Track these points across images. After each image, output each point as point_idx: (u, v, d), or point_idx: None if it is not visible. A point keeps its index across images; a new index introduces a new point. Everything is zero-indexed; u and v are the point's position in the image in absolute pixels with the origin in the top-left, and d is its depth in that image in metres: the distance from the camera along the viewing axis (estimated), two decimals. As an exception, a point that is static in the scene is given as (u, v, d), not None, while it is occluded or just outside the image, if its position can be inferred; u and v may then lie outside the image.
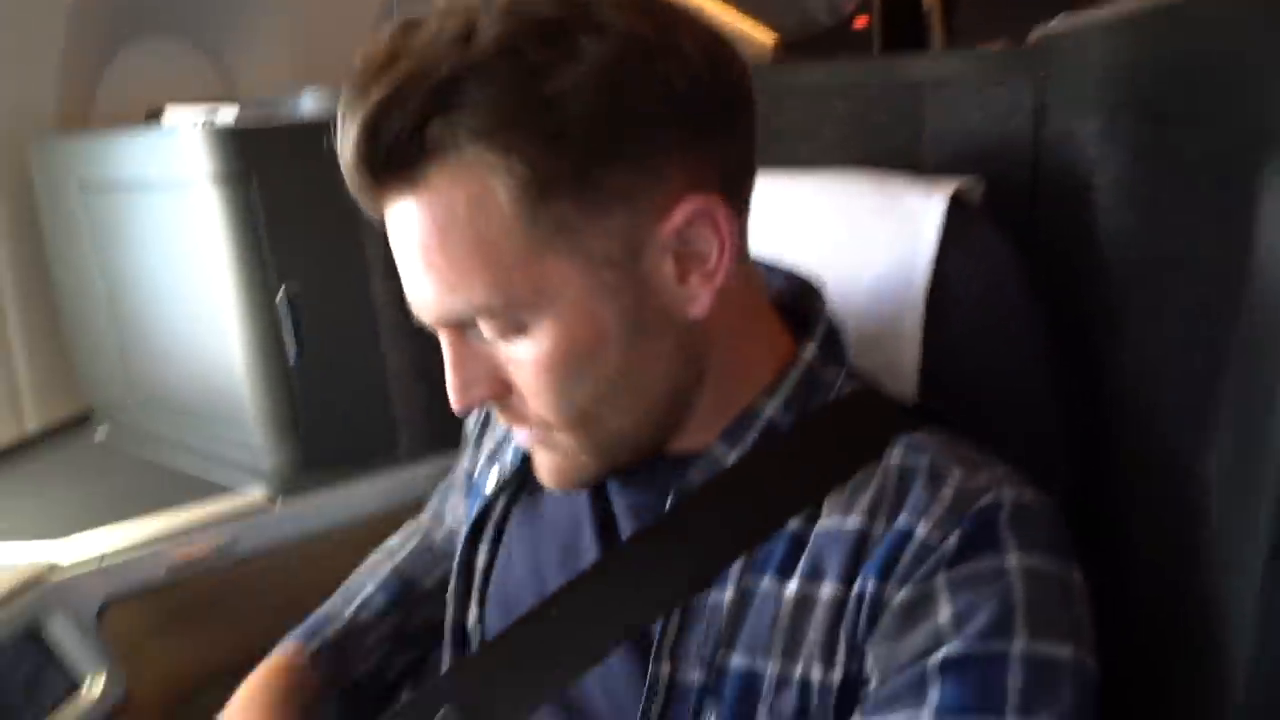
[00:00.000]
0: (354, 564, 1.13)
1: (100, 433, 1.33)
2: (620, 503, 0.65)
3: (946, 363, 0.67)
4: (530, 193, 0.49)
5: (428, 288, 0.52)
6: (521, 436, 0.61)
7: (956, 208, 0.66)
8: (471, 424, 0.84)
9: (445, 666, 0.79)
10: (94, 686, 0.95)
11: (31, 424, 1.33)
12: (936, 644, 0.50)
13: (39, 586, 0.94)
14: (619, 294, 0.53)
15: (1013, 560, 0.51)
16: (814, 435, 0.60)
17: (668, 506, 0.61)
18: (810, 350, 0.60)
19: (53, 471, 1.23)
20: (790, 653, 0.55)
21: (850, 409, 0.61)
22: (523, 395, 0.56)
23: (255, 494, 1.09)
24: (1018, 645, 0.49)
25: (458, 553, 0.76)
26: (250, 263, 1.05)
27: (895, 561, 0.52)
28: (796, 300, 0.64)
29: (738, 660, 0.57)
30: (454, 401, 0.57)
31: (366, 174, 0.50)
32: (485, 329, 0.53)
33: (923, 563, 0.52)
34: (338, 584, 1.11)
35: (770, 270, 0.66)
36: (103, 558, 0.99)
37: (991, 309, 0.66)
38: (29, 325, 1.31)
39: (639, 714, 0.60)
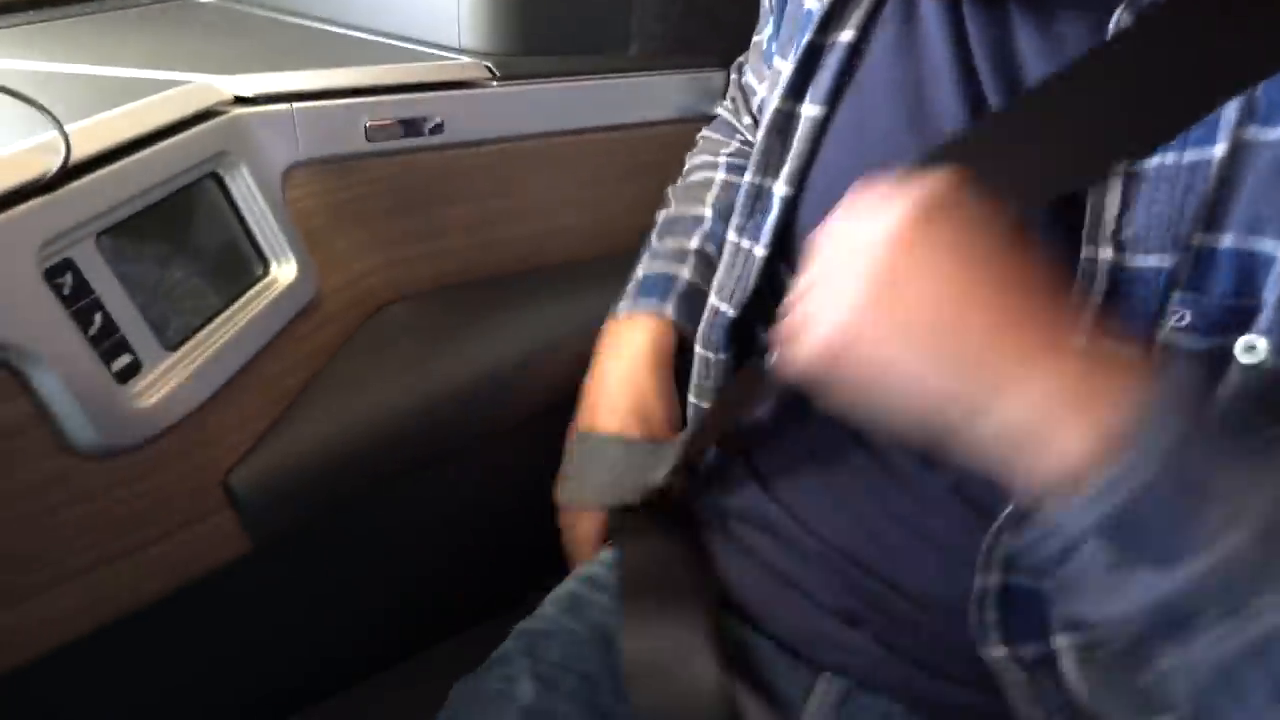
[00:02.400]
0: (562, 181, 0.91)
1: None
2: (1028, 39, 0.47)
3: None
4: None
5: None
6: None
7: None
8: None
9: (719, 274, 0.64)
10: (284, 272, 0.72)
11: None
12: None
13: (222, 121, 0.68)
14: None
15: None
16: None
17: (1112, 27, 0.43)
18: None
19: (162, 22, 0.94)
20: None
21: None
22: None
23: (471, 65, 0.83)
24: None
25: (770, 107, 0.57)
26: None
27: None
28: None
29: (1228, 241, 0.40)
30: None
31: None
32: None
33: None
34: (542, 197, 0.89)
35: None
36: (292, 101, 0.73)
37: None
38: None
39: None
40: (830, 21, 0.55)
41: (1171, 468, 0.32)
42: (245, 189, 0.69)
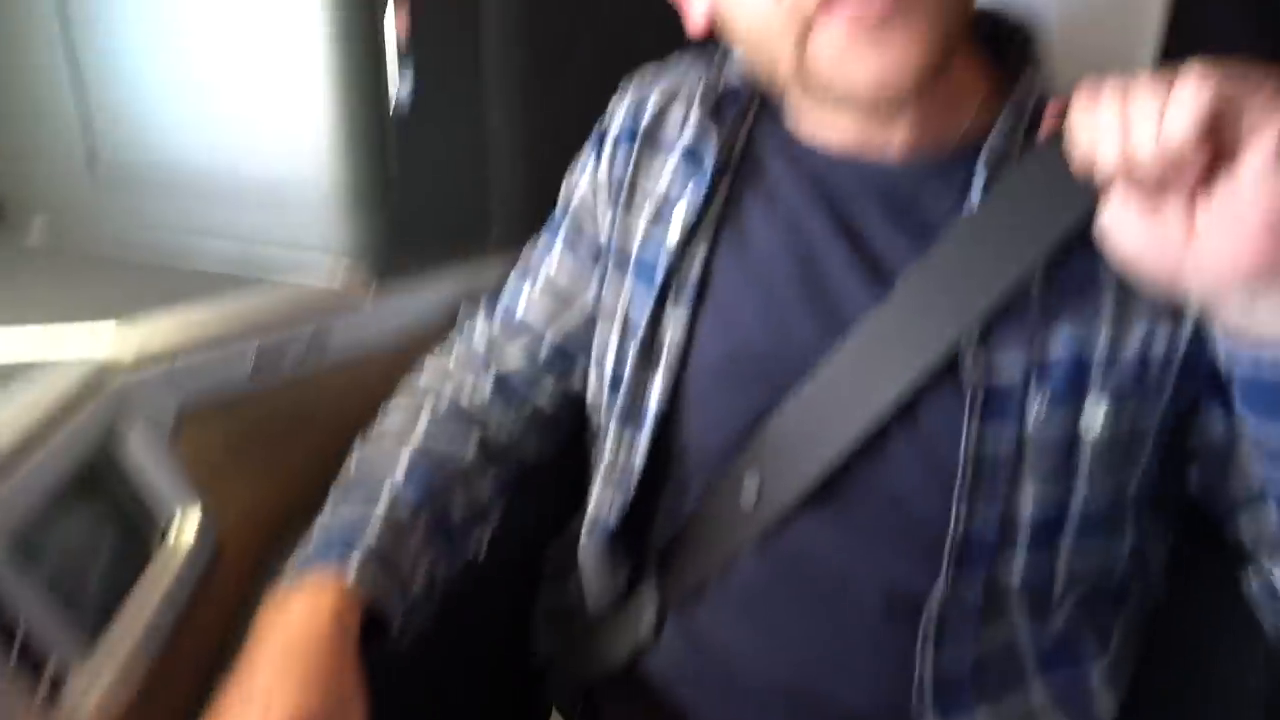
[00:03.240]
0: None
1: (36, 231, 0.98)
2: (873, 214, 0.59)
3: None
4: None
5: None
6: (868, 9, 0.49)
7: None
8: (588, 187, 0.70)
9: (603, 465, 0.67)
10: (184, 531, 0.69)
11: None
12: None
13: (109, 393, 0.66)
14: None
15: None
16: None
17: (977, 198, 0.56)
18: None
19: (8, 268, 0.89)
20: (1121, 318, 0.54)
21: None
22: None
23: (344, 280, 0.84)
24: None
25: (637, 329, 0.63)
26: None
27: None
28: None
29: (1060, 351, 0.54)
30: None
31: None
32: None
33: None
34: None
35: None
36: (175, 353, 0.72)
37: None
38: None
39: (962, 432, 0.54)
40: (684, 252, 0.62)
41: None
42: (137, 453, 0.67)
